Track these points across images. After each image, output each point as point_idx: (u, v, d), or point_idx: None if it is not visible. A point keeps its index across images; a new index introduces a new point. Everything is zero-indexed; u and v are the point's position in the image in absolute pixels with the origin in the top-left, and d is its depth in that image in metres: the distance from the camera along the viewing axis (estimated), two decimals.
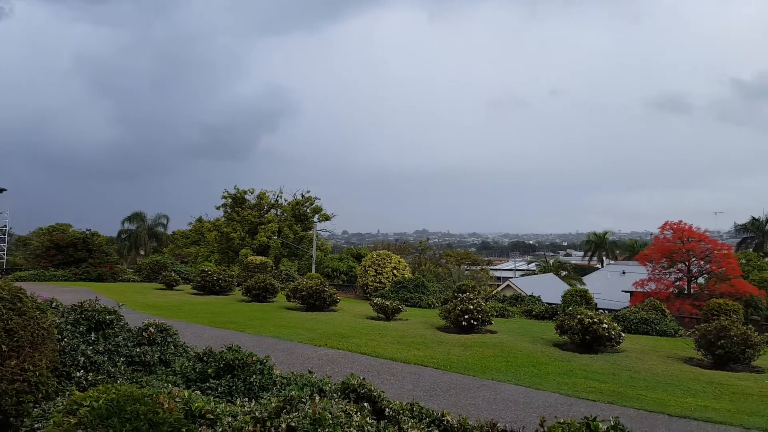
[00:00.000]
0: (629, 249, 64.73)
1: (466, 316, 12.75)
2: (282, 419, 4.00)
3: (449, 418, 4.67)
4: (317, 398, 4.34)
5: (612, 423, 3.16)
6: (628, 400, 7.71)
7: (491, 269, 73.80)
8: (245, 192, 44.47)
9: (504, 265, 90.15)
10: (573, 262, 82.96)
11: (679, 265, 34.96)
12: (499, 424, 4.56)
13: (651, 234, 38.63)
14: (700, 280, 35.05)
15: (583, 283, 45.64)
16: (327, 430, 3.72)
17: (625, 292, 39.83)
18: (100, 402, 3.79)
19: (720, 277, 33.35)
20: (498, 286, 43.50)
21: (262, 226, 42.27)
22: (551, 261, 55.55)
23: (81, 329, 6.93)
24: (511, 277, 48.08)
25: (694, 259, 34.63)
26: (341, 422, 3.87)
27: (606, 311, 16.35)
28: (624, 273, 50.93)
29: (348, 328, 13.46)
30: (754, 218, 60.18)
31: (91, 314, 7.16)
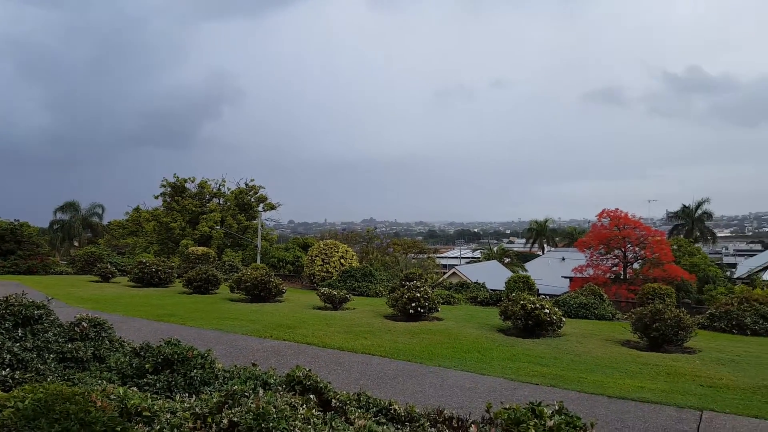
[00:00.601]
0: (569, 236, 67.18)
1: (414, 304, 12.81)
2: (224, 414, 3.84)
3: (396, 407, 4.63)
4: (261, 392, 4.20)
5: (556, 407, 3.18)
6: (570, 382, 7.95)
7: (438, 257, 74.85)
8: (186, 180, 42.99)
9: (450, 253, 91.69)
10: (516, 249, 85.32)
11: (616, 252, 36.58)
12: (445, 411, 4.56)
13: (589, 222, 40.27)
14: (636, 265, 36.82)
15: (525, 270, 47.01)
16: (271, 424, 3.58)
17: (565, 277, 41.35)
18: (26, 402, 3.50)
19: (653, 262, 35.15)
20: (444, 273, 44.13)
21: (204, 216, 41.05)
22: (495, 248, 56.99)
23: (6, 325, 6.50)
24: (457, 265, 48.93)
25: (629, 245, 36.32)
26: (286, 416, 3.74)
27: (547, 296, 16.87)
28: (564, 259, 52.85)
29: (294, 318, 13.26)
30: (684, 206, 63.71)
31: (18, 309, 6.71)
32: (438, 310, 13.64)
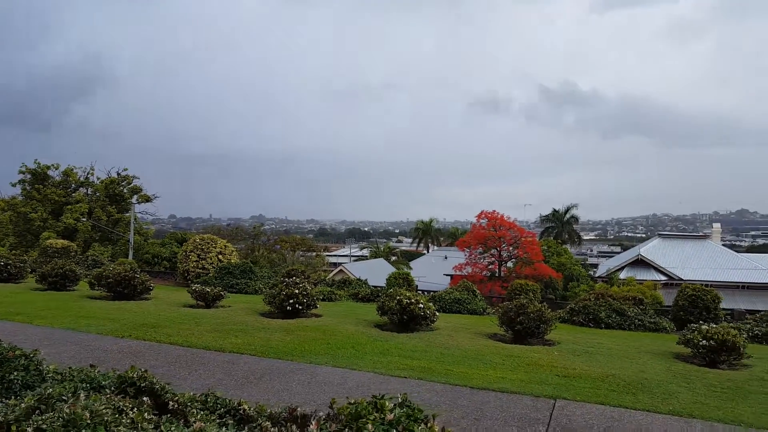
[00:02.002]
0: (452, 236, 70.09)
1: (291, 301, 12.43)
2: (32, 421, 3.28)
3: (246, 407, 4.28)
4: (82, 395, 3.67)
5: (400, 399, 3.04)
6: (437, 375, 8.06)
7: (328, 255, 74.60)
8: (48, 167, 38.77)
9: (340, 251, 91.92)
10: (403, 248, 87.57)
11: (492, 251, 38.71)
12: (299, 409, 4.29)
13: (471, 222, 42.29)
14: (510, 264, 39.23)
15: (410, 268, 48.25)
16: (83, 431, 3.11)
17: (447, 275, 43.00)
18: None
19: (525, 261, 37.65)
20: (332, 271, 43.93)
21: (69, 207, 37.26)
22: (382, 247, 57.97)
23: None
24: (345, 263, 49.00)
25: (504, 245, 38.60)
26: (106, 420, 3.27)
27: (428, 293, 17.34)
28: (446, 258, 55.03)
29: (160, 317, 12.30)
30: (555, 210, 69.11)
31: None
32: (317, 307, 13.37)
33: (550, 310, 11.63)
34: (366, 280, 20.14)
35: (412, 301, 11.46)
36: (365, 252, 67.93)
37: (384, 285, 20.27)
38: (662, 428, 6.20)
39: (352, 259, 62.31)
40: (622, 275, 38.60)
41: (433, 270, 51.77)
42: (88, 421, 3.17)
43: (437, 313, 12.18)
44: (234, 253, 22.23)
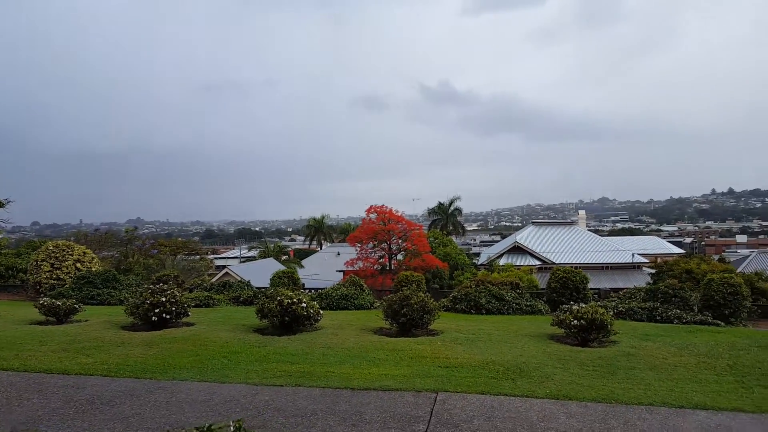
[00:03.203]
0: (344, 232, 69.94)
1: (157, 310, 11.20)
2: None
3: None
4: None
5: (233, 428, 2.43)
6: (317, 378, 7.51)
7: (216, 258, 71.16)
8: None
9: (229, 253, 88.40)
10: (297, 246, 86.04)
11: (383, 244, 38.97)
12: None
13: (363, 218, 42.31)
14: (400, 256, 39.74)
15: (302, 266, 47.34)
16: None
17: (339, 271, 42.67)
18: None
19: (414, 253, 38.30)
20: (218, 274, 41.77)
21: None
22: (272, 246, 56.28)
23: None
24: (232, 265, 46.85)
25: (394, 238, 39.01)
26: None
27: (318, 290, 16.70)
28: (339, 254, 54.75)
29: None
30: (440, 203, 71.45)
31: None
32: (189, 315, 12.22)
33: (433, 299, 11.54)
34: (249, 281, 19.05)
35: (294, 300, 10.80)
36: (253, 252, 65.57)
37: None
38: (540, 413, 6.16)
39: (241, 260, 59.85)
40: (502, 262, 40.68)
41: (326, 267, 51.24)
42: None
43: (321, 312, 11.62)
44: (95, 260, 19.95)
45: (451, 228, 69.77)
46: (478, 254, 65.46)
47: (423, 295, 11.41)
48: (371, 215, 38.99)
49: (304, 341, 10.01)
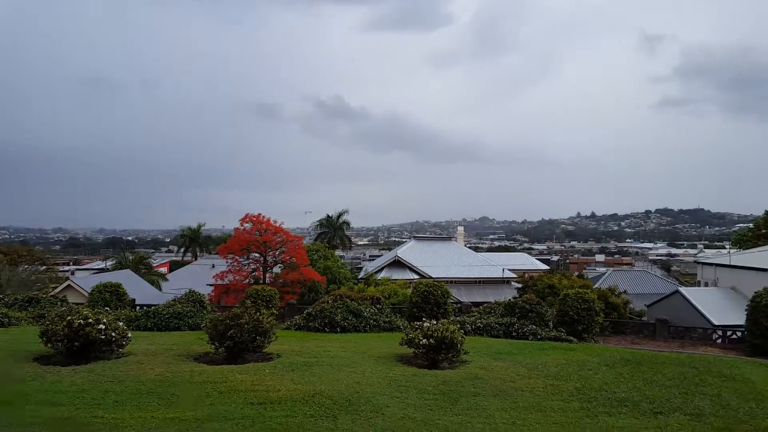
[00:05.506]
0: (222, 243, 65.99)
1: None
2: None
3: None
4: None
5: None
6: (74, 428, 5.65)
7: (78, 269, 63.76)
8: None
9: (94, 264, 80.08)
10: (173, 258, 79.83)
11: (257, 256, 36.61)
12: None
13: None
14: (277, 269, 37.58)
15: (166, 279, 43.61)
16: None
17: (209, 285, 39.52)
18: None
19: (291, 266, 36.39)
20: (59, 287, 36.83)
21: None
22: (132, 257, 51.19)
23: None
24: (79, 277, 41.65)
25: (270, 250, 36.83)
26: None
27: (149, 307, 14.41)
28: (213, 266, 51.08)
29: None
30: (328, 216, 69.98)
31: None
32: None
33: (272, 318, 10.00)
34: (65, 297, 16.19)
35: (90, 321, 8.70)
36: (110, 263, 59.47)
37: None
38: None
39: (93, 272, 53.84)
40: (382, 275, 40.08)
41: (197, 280, 47.36)
42: None
43: (130, 335, 9.60)
44: None
45: (338, 241, 68.56)
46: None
47: (259, 313, 9.81)
48: (246, 224, 36.52)
49: (93, 373, 7.96)
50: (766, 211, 44.10)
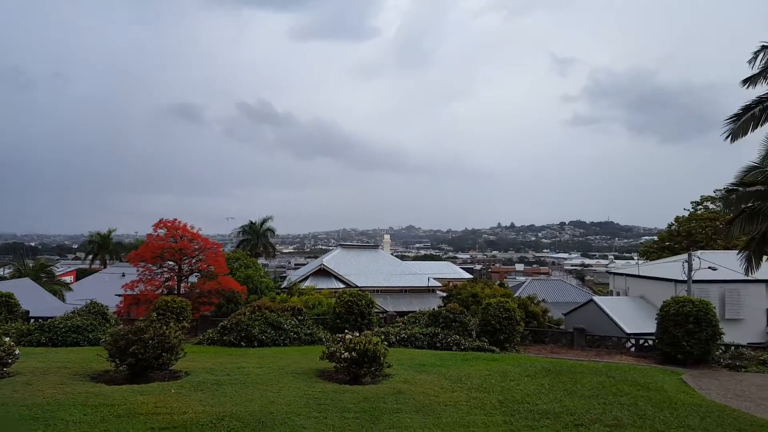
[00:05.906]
0: (135, 249, 62.22)
1: None
2: None
3: None
4: None
5: None
6: None
7: None
8: None
9: None
10: (81, 266, 74.37)
11: (172, 264, 34.66)
12: None
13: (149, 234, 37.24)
14: (193, 278, 35.72)
15: (70, 289, 40.39)
16: None
17: (119, 295, 36.96)
18: None
19: (208, 275, 34.70)
20: None
21: None
22: (32, 264, 47.09)
23: None
24: None
25: (186, 258, 34.97)
26: None
27: (44, 320, 12.99)
28: (124, 275, 47.90)
29: None
30: (252, 222, 67.74)
31: None
32: None
33: (180, 332, 9.20)
34: None
35: None
36: (7, 272, 54.44)
37: None
38: None
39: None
40: (306, 284, 39.20)
41: (106, 290, 44.22)
42: None
43: (17, 352, 8.49)
44: None
45: (261, 249, 66.58)
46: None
47: (166, 327, 9.00)
48: (160, 230, 34.47)
49: None
50: (668, 224, 47.51)
